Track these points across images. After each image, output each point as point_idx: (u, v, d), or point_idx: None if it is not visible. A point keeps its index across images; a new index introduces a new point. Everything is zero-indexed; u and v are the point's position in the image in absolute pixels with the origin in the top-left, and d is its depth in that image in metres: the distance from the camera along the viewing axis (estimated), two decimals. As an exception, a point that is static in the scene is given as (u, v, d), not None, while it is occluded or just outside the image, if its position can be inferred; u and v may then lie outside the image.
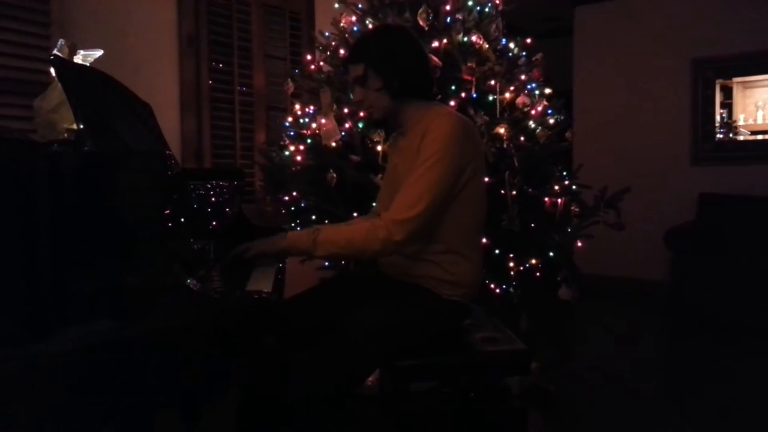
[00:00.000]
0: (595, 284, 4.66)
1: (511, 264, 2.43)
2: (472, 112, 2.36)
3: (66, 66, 1.45)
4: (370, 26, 2.57)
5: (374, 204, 2.02)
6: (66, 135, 1.59)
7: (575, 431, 2.42)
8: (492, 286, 2.45)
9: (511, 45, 2.68)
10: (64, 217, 1.08)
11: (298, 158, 2.65)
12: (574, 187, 2.61)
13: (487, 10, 2.61)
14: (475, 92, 2.41)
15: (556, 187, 2.49)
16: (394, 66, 1.65)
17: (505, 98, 2.46)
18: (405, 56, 1.67)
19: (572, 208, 2.52)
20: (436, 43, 2.40)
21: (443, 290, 1.63)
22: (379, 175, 2.30)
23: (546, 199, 2.46)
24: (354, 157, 2.44)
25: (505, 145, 2.35)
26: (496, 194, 2.34)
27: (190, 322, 1.20)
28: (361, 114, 2.40)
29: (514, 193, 2.34)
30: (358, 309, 1.60)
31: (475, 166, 1.61)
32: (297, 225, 2.69)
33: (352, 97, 1.89)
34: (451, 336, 1.71)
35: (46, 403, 1.07)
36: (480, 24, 2.56)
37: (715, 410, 2.60)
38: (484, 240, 2.33)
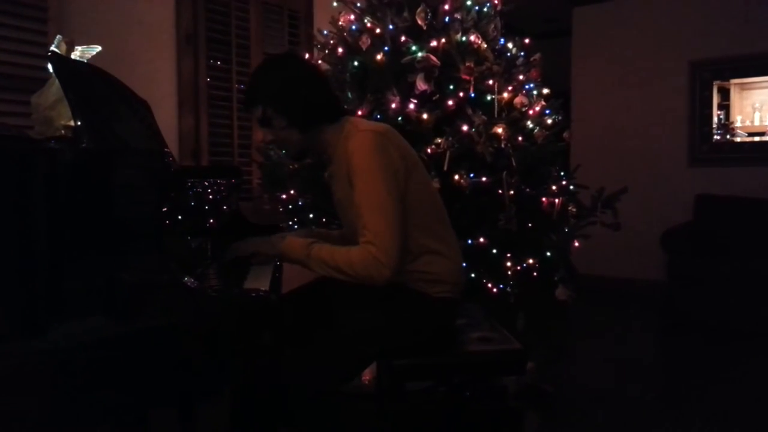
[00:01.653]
0: (592, 284, 4.67)
1: (508, 263, 2.43)
2: (470, 111, 2.36)
3: (63, 62, 1.45)
4: (369, 25, 2.57)
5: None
6: (63, 132, 1.58)
7: (571, 431, 2.43)
8: (489, 285, 2.45)
9: (510, 45, 2.68)
10: (60, 213, 1.08)
11: (296, 157, 2.65)
12: (571, 187, 2.62)
13: (485, 10, 2.61)
14: (473, 92, 2.41)
15: (554, 187, 2.50)
16: (293, 101, 1.59)
17: (503, 98, 2.46)
18: (301, 87, 1.60)
19: (569, 208, 2.53)
20: (434, 43, 2.40)
21: (431, 289, 1.63)
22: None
23: (543, 199, 2.46)
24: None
25: (502, 145, 2.35)
26: (494, 194, 2.34)
27: (187, 320, 1.20)
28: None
29: (512, 192, 2.34)
30: (351, 307, 1.60)
31: (405, 167, 1.57)
32: (294, 223, 2.68)
33: (262, 136, 1.79)
34: (447, 335, 1.71)
35: (39, 400, 1.07)
36: (478, 24, 2.56)
37: (710, 411, 2.61)
38: (481, 239, 2.34)
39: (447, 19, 2.51)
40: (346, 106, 2.50)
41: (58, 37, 1.68)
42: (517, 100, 2.48)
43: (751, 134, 4.65)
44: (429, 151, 2.31)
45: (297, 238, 1.61)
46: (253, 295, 1.37)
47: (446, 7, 2.51)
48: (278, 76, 1.62)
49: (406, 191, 1.56)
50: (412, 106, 2.35)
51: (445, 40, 2.42)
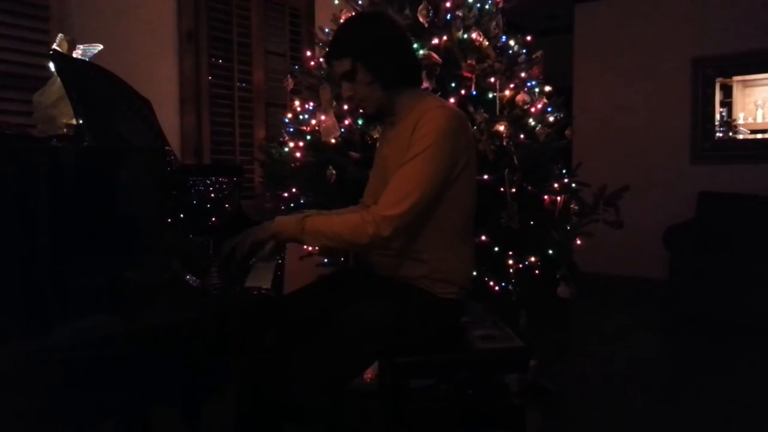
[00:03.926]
0: (594, 282, 4.67)
1: (510, 261, 2.43)
2: (471, 109, 2.35)
3: (65, 61, 1.45)
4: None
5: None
6: (65, 130, 1.58)
7: (573, 429, 2.43)
8: (491, 283, 2.45)
9: (511, 42, 2.67)
10: (62, 212, 1.08)
11: (298, 155, 2.65)
12: (573, 185, 2.61)
13: (487, 7, 2.61)
14: (475, 89, 2.40)
15: (556, 185, 2.49)
16: (384, 56, 1.57)
17: (504, 96, 2.46)
18: (392, 44, 1.60)
19: (571, 205, 2.52)
20: (436, 40, 2.40)
21: (438, 289, 1.63)
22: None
23: (545, 196, 2.45)
24: (353, 154, 2.44)
25: (504, 143, 2.34)
26: (496, 192, 2.34)
27: (189, 318, 1.20)
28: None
29: (514, 190, 2.34)
30: (355, 305, 1.60)
31: (466, 160, 1.58)
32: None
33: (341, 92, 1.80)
34: (450, 333, 1.71)
35: (44, 398, 1.07)
36: (480, 21, 2.55)
37: (712, 408, 2.61)
38: (483, 237, 2.34)
39: (448, 16, 2.50)
40: (346, 105, 2.51)
41: (60, 35, 1.68)
42: (519, 97, 2.48)
43: (753, 131, 4.63)
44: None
45: (288, 216, 1.58)
46: (255, 293, 1.37)
47: (448, 4, 2.51)
48: (372, 30, 1.62)
49: (455, 181, 1.56)
50: (413, 103, 2.34)
51: (447, 37, 2.42)
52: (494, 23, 2.58)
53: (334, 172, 2.44)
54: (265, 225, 1.60)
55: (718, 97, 4.75)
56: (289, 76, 2.91)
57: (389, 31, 1.64)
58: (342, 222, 1.53)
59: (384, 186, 1.58)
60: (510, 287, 2.48)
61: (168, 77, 3.07)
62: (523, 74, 2.59)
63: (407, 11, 2.51)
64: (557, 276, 2.55)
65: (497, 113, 2.41)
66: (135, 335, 1.13)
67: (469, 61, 2.37)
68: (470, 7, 2.55)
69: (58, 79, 1.54)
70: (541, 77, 2.70)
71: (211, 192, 1.82)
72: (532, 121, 2.51)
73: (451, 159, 1.53)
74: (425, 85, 2.33)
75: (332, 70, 1.68)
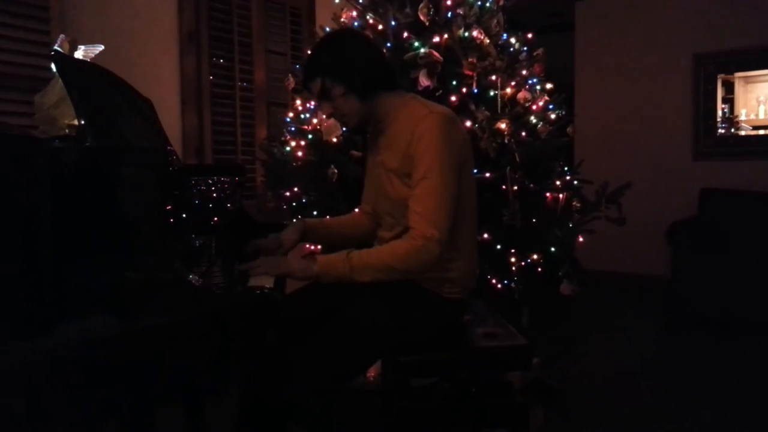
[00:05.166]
0: (597, 279, 4.64)
1: (513, 259, 2.43)
2: (473, 107, 2.35)
3: (67, 61, 1.45)
4: (371, 21, 2.57)
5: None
6: (67, 131, 1.58)
7: (577, 426, 2.43)
8: (493, 281, 2.45)
9: (512, 40, 2.67)
10: (64, 212, 1.08)
11: (299, 154, 2.65)
12: (575, 182, 2.61)
13: (488, 5, 2.61)
14: (476, 87, 2.40)
15: (558, 183, 2.49)
16: (350, 66, 1.60)
17: (506, 93, 2.46)
18: (356, 54, 1.63)
19: (573, 203, 2.52)
20: (437, 38, 2.40)
21: (442, 290, 1.63)
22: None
23: (547, 194, 2.45)
24: (355, 153, 2.44)
25: (506, 141, 2.34)
26: (498, 189, 2.34)
27: (191, 318, 1.20)
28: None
29: (516, 188, 2.34)
30: (358, 304, 1.59)
31: (465, 156, 1.61)
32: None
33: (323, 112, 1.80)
34: (452, 331, 1.71)
35: (46, 398, 1.08)
36: (481, 19, 2.55)
37: (715, 405, 2.60)
38: (485, 235, 2.34)
39: (449, 14, 2.50)
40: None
41: (61, 36, 1.68)
42: (521, 95, 2.47)
43: (755, 128, 4.62)
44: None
45: (330, 255, 1.56)
46: (258, 293, 1.37)
47: (449, 2, 2.50)
48: (335, 45, 1.65)
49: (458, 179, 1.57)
50: (415, 102, 2.34)
51: (448, 35, 2.42)
52: (495, 21, 2.58)
53: (335, 171, 2.44)
54: (304, 266, 1.55)
55: (720, 93, 4.74)
56: (290, 75, 2.90)
57: (351, 43, 1.67)
58: (390, 252, 1.53)
59: (380, 191, 1.60)
60: (512, 285, 2.47)
61: (169, 77, 3.07)
62: (524, 72, 2.59)
63: (408, 9, 2.50)
64: (559, 273, 2.54)
65: (498, 111, 2.41)
66: (137, 335, 1.13)
67: (470, 59, 2.37)
68: (471, 5, 2.55)
69: (60, 80, 1.54)
70: (543, 75, 2.69)
71: (213, 192, 1.82)
72: (533, 119, 2.51)
73: (457, 161, 1.56)
74: (426, 83, 2.33)
75: (311, 95, 1.71)
